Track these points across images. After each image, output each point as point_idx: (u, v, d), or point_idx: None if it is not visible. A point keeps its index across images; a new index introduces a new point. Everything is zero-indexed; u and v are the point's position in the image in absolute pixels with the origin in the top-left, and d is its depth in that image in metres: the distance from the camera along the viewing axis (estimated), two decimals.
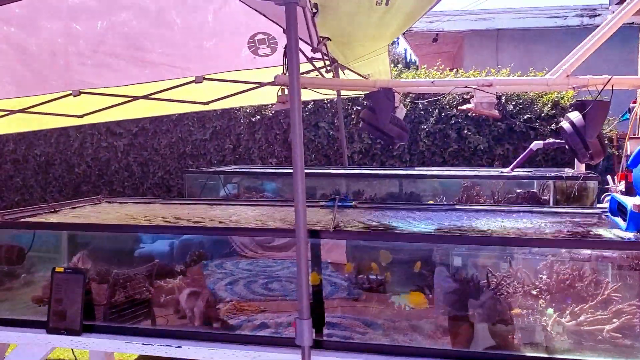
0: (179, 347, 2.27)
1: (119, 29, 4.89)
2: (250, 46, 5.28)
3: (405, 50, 23.54)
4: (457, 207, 3.25)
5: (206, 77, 5.49)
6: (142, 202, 3.54)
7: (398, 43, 25.12)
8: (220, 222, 2.84)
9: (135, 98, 5.69)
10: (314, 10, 3.20)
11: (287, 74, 4.93)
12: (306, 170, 5.56)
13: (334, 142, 8.24)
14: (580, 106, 4.28)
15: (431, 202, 4.70)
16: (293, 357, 2.18)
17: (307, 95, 5.59)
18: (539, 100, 7.74)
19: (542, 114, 7.67)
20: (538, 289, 2.38)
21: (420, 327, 2.59)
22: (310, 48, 4.22)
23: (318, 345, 2.18)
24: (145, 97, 5.71)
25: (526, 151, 4.90)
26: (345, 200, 3.26)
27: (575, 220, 2.80)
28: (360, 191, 5.17)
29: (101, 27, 4.87)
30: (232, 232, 2.65)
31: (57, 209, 3.03)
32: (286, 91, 4.99)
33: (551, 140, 4.87)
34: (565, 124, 4.36)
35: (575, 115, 4.30)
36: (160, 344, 2.29)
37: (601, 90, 4.25)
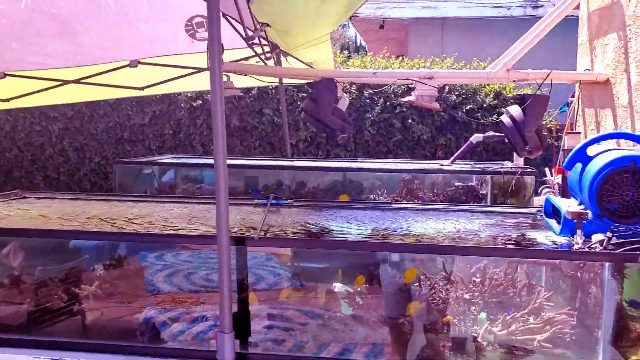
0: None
1: (45, 8, 4.59)
2: (187, 29, 5.07)
3: (356, 34, 23.47)
4: (394, 205, 3.17)
5: (141, 61, 5.24)
6: (64, 197, 3.32)
7: (349, 27, 25.04)
8: (135, 224, 2.66)
9: (66, 82, 5.39)
10: None
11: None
12: (247, 162, 5.46)
13: (278, 129, 8.09)
14: (520, 100, 4.29)
15: (370, 196, 4.63)
16: None
17: (249, 81, 5.43)
18: (482, 90, 7.78)
19: (484, 105, 7.72)
20: (470, 294, 2.33)
21: (359, 332, 2.52)
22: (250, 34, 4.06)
23: (242, 358, 2.06)
24: (77, 81, 5.42)
25: (466, 144, 4.88)
26: (280, 198, 3.13)
27: (510, 221, 2.77)
28: (303, 182, 5.06)
29: (26, 6, 4.57)
30: (145, 238, 2.48)
31: None
32: (224, 77, 4.82)
33: (491, 133, 4.87)
34: (505, 118, 4.36)
35: (515, 109, 4.31)
36: (50, 356, 2.11)
37: (540, 85, 4.27)
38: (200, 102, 8.24)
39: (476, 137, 4.87)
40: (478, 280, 2.43)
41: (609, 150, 2.46)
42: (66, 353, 2.14)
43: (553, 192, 4.60)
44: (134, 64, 5.23)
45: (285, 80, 6.15)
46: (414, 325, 2.36)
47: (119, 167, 4.72)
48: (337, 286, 2.78)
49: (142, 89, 5.57)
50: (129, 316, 3.10)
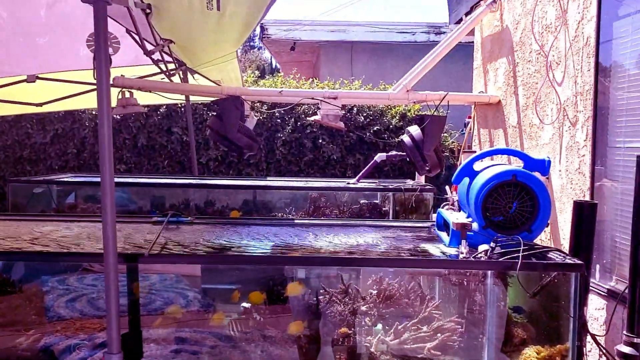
0: None
1: None
2: (89, 45, 4.93)
3: (271, 57, 23.63)
4: (299, 221, 3.20)
5: (40, 76, 5.03)
6: None
7: (264, 49, 25.14)
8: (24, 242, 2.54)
9: None
10: (148, 10, 3.00)
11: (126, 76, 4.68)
12: (150, 181, 5.34)
13: (187, 148, 7.96)
14: (419, 120, 4.47)
15: (279, 214, 4.65)
16: None
17: (155, 99, 5.33)
18: (388, 112, 8.04)
19: (390, 126, 7.98)
20: (367, 306, 2.39)
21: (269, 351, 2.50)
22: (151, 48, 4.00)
23: None
24: None
25: (370, 163, 5.02)
26: (180, 215, 3.08)
27: (406, 234, 2.87)
28: (211, 201, 5.01)
29: None
30: (31, 256, 2.37)
31: None
32: (127, 94, 4.72)
33: (394, 152, 5.04)
34: (405, 138, 4.52)
35: (414, 129, 4.48)
36: None
37: (437, 106, 4.47)
38: None
39: (380, 157, 5.01)
40: (374, 292, 2.50)
41: (493, 165, 2.62)
42: None
43: (453, 209, 4.81)
44: (31, 79, 5.01)
45: (193, 98, 6.10)
46: (313, 340, 2.39)
47: (12, 187, 4.47)
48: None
49: (41, 105, 5.34)
50: (27, 345, 2.93)
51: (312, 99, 4.44)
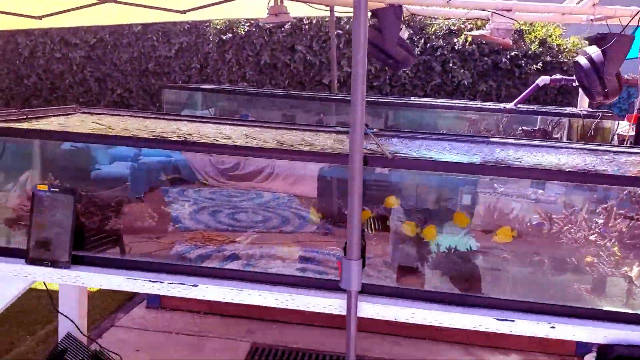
0: (195, 285, 1.89)
1: None
2: None
3: None
4: (492, 139, 2.92)
5: None
6: (126, 115, 3.06)
7: None
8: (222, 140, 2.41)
9: (104, 0, 5.02)
10: None
11: None
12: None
13: (310, 68, 7.75)
14: (599, 40, 3.98)
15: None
16: (334, 302, 1.84)
17: (298, 10, 5.07)
18: (526, 37, 7.43)
19: (529, 52, 7.38)
20: (601, 235, 2.11)
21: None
22: None
23: (368, 288, 1.84)
24: (115, 0, 5.05)
25: (531, 86, 4.61)
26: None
27: (624, 159, 2.52)
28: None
29: None
30: (256, 152, 2.23)
31: (28, 116, 2.53)
32: (279, 1, 4.49)
33: (558, 76, 4.59)
34: (581, 59, 4.06)
35: (593, 50, 4.00)
36: (171, 281, 1.91)
37: (627, 24, 3.96)
38: (230, 35, 7.86)
39: (542, 80, 4.58)
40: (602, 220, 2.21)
41: None
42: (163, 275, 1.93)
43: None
44: None
45: (339, 11, 5.76)
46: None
47: (166, 93, 4.44)
48: None
49: (184, 12, 5.21)
50: (159, 252, 2.89)
51: (483, 10, 4.04)
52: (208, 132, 2.64)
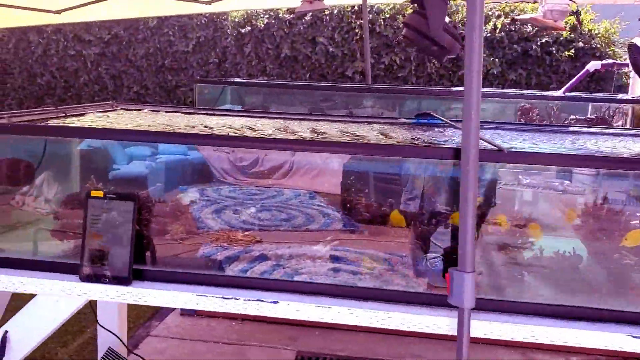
0: (275, 302, 1.65)
1: None
2: None
3: None
4: (572, 129, 2.67)
5: None
6: (167, 110, 2.82)
7: None
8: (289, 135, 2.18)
9: None
10: None
11: None
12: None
13: (332, 60, 7.49)
14: None
15: None
16: (441, 321, 1.59)
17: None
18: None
19: (560, 38, 7.10)
20: None
21: None
22: None
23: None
24: None
25: (581, 72, 4.36)
26: (432, 117, 2.63)
27: None
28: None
29: None
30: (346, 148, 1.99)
31: (67, 113, 2.30)
32: None
33: (610, 61, 4.33)
34: (639, 41, 3.82)
35: None
36: (248, 297, 1.66)
37: None
38: (248, 28, 7.61)
39: (593, 65, 4.33)
40: None
41: None
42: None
43: None
44: None
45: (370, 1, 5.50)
46: None
47: (198, 87, 4.23)
48: None
49: (209, 3, 4.98)
50: (185, 254, 2.68)
51: None
52: (266, 126, 2.41)
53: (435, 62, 7.25)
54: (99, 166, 2.59)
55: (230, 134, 2.10)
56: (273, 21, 7.53)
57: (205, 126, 2.29)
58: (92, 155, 2.53)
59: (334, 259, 2.86)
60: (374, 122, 2.65)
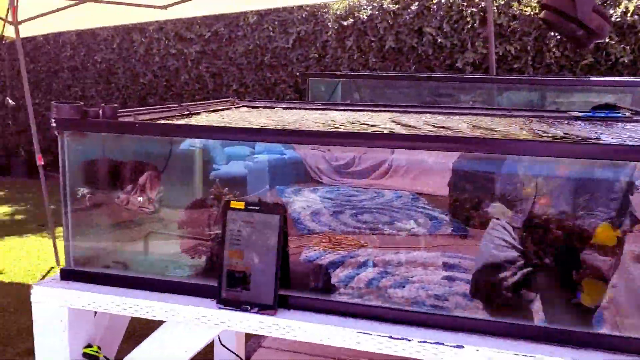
0: (459, 346, 1.28)
1: None
2: None
3: None
4: None
5: None
6: (292, 107, 2.53)
7: None
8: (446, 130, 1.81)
9: None
10: None
11: None
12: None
13: (440, 51, 7.03)
14: None
15: None
16: None
17: None
18: None
19: None
20: None
21: None
22: None
23: None
24: None
25: None
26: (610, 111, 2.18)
27: None
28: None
29: None
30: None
31: (191, 111, 2.05)
32: None
33: None
34: None
35: None
36: (423, 339, 1.30)
37: None
38: (351, 20, 7.28)
39: None
40: None
41: None
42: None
43: None
44: None
45: None
46: None
47: (311, 81, 3.96)
48: None
49: (165, 7, 4.69)
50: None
51: None
52: (410, 121, 2.04)
53: (555, 52, 6.61)
54: (201, 166, 2.38)
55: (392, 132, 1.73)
56: (377, 12, 7.17)
57: (332, 122, 1.96)
58: (193, 155, 2.32)
59: (447, 266, 2.51)
60: (516, 116, 2.23)
